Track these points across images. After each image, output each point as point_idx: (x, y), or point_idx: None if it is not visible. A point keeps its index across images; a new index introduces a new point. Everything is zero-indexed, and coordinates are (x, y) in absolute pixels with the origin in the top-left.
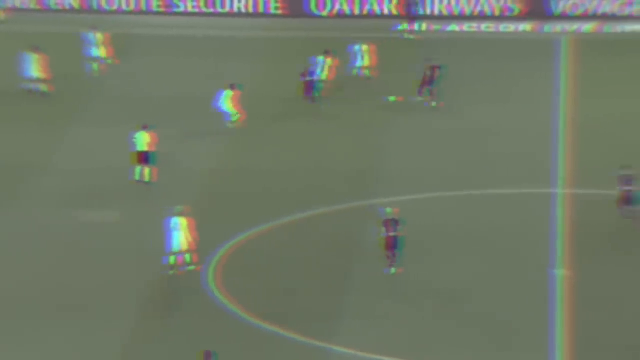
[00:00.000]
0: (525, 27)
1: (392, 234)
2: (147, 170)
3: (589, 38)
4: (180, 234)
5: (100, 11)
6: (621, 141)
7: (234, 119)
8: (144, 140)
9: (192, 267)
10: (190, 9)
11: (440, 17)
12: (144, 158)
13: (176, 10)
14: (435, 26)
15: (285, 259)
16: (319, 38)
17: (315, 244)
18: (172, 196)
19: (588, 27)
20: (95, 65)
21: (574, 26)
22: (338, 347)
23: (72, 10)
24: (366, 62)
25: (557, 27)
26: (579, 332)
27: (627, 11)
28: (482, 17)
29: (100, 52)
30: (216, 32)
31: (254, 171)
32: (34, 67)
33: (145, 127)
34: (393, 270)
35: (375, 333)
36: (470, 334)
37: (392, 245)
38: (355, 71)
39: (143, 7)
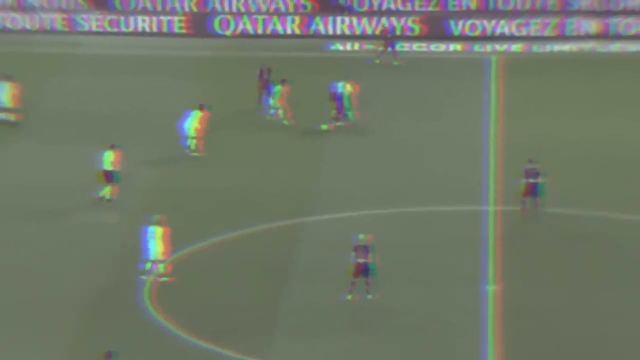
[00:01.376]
0: (456, 46)
1: (361, 260)
2: (107, 188)
3: (518, 57)
4: (156, 242)
5: (4, 30)
6: (549, 159)
7: (192, 145)
8: (108, 159)
9: (165, 279)
10: (94, 28)
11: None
12: (108, 176)
13: (80, 29)
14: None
15: (220, 276)
16: (226, 57)
17: (251, 262)
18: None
19: (517, 46)
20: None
21: (503, 46)
22: None
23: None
24: (346, 103)
25: (487, 46)
26: (508, 344)
27: (523, 31)
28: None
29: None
30: (123, 51)
31: (187, 189)
32: (5, 96)
33: (112, 147)
34: (349, 297)
35: (310, 350)
36: (403, 348)
37: (360, 271)
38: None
39: (47, 26)
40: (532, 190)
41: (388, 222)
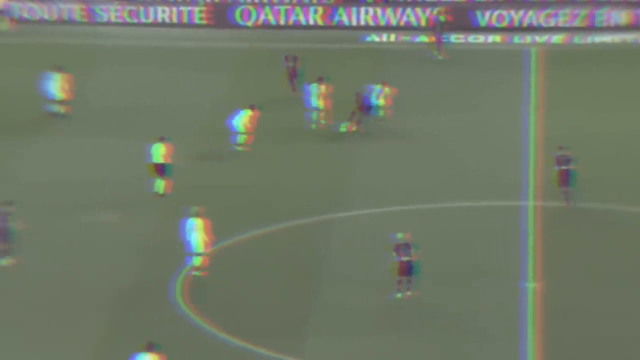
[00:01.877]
0: (494, 38)
1: (404, 258)
2: (161, 183)
3: (559, 49)
4: (198, 235)
5: (21, 20)
6: (590, 152)
7: (241, 140)
8: (159, 152)
9: (197, 273)
10: (113, 19)
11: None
12: (160, 170)
13: (99, 20)
14: (404, 37)
15: (251, 273)
16: (251, 49)
17: (282, 259)
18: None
19: (558, 38)
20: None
21: (543, 37)
22: None
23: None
24: (381, 102)
25: (527, 37)
26: (548, 343)
27: (552, 22)
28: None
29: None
30: (143, 43)
31: (219, 186)
32: (56, 87)
33: (162, 139)
34: (399, 295)
35: (343, 350)
36: (441, 347)
37: (406, 270)
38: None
39: (65, 16)
40: (566, 178)
41: (424, 218)
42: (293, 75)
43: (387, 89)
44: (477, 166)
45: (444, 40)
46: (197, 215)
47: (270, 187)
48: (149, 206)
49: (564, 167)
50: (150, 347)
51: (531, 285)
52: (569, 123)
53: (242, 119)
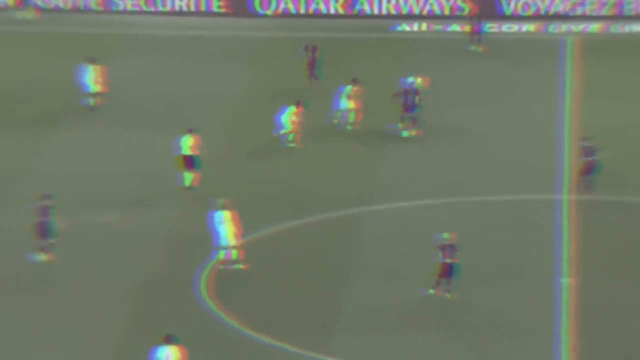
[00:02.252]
0: (529, 27)
1: (448, 260)
2: (189, 176)
3: (595, 38)
4: (227, 227)
5: (36, 8)
6: (627, 144)
7: (291, 137)
8: (187, 144)
9: (239, 266)
10: (129, 7)
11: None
12: (188, 162)
13: (115, 9)
14: (436, 26)
15: (277, 267)
16: (273, 38)
17: (308, 253)
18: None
19: (594, 27)
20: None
21: (579, 26)
22: (334, 358)
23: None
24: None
25: (563, 27)
26: (584, 341)
27: (578, 11)
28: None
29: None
30: (161, 32)
31: (244, 179)
32: (90, 80)
33: (190, 131)
34: (432, 290)
35: (372, 347)
36: (472, 344)
37: (447, 272)
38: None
39: (81, 5)
40: (591, 169)
41: (456, 212)
42: (312, 65)
43: (419, 80)
44: (510, 159)
45: (482, 31)
46: (223, 207)
47: (299, 179)
48: (175, 199)
49: (590, 158)
50: (169, 339)
51: (566, 281)
52: (604, 114)
53: (288, 116)
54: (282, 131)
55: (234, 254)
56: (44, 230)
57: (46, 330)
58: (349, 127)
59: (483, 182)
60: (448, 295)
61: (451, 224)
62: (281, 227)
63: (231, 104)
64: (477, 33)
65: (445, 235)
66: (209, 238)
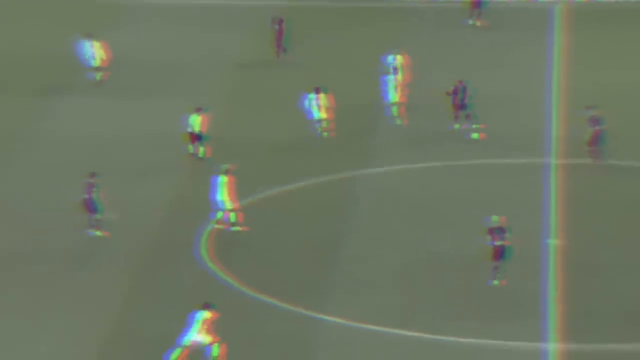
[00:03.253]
0: None
1: (498, 242)
2: (200, 148)
3: (583, 7)
4: (223, 191)
5: None
6: (617, 111)
7: (324, 125)
8: (196, 122)
9: (237, 228)
10: None
11: None
12: (197, 139)
13: None
14: None
15: (276, 229)
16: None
17: (306, 215)
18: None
19: None
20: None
21: None
22: (330, 317)
23: None
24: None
25: None
26: (572, 300)
27: None
28: None
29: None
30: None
31: (245, 144)
32: (90, 55)
33: (198, 110)
34: (496, 282)
35: (366, 303)
36: (463, 303)
37: (499, 254)
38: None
39: None
40: (598, 138)
41: (447, 176)
42: (280, 38)
43: (399, 57)
44: (504, 123)
45: (482, 6)
46: (226, 172)
47: (296, 144)
48: (181, 167)
49: (597, 128)
50: (206, 306)
51: (553, 242)
52: (594, 81)
53: (311, 103)
54: (314, 119)
55: (232, 216)
56: (90, 207)
57: (51, 293)
58: (397, 122)
59: (474, 146)
60: (495, 282)
61: (442, 187)
62: (279, 190)
63: (231, 72)
64: (477, 7)
65: (494, 217)
66: (210, 203)
